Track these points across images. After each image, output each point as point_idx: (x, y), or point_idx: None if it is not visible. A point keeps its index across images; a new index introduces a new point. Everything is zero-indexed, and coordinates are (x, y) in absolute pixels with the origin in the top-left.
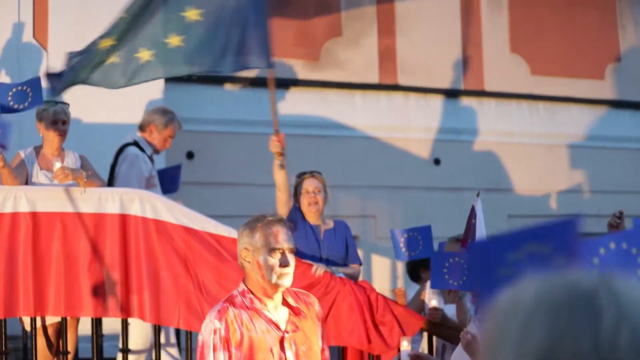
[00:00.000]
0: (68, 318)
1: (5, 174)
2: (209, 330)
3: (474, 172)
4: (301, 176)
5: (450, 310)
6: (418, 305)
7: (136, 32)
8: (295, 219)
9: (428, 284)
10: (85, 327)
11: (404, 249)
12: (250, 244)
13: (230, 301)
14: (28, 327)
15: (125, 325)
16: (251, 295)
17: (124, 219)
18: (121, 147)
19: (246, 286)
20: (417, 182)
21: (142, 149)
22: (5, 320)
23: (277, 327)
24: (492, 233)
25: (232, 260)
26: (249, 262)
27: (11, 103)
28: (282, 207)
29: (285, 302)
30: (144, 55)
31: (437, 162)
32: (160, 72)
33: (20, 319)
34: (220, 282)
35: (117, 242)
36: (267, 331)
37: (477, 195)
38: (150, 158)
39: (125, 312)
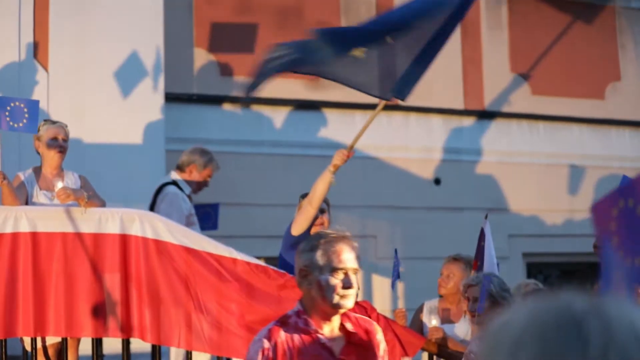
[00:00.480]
0: (68, 338)
1: (6, 192)
2: (256, 349)
3: (475, 192)
4: (305, 196)
5: (449, 330)
6: (417, 325)
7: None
8: (302, 240)
9: (426, 304)
10: (85, 347)
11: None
12: (310, 261)
13: (283, 321)
14: (28, 347)
15: (126, 346)
16: (306, 317)
17: (124, 239)
18: (160, 186)
19: (303, 307)
20: (417, 202)
21: (180, 188)
22: (5, 340)
23: (331, 353)
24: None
25: (233, 280)
26: (308, 281)
27: (8, 118)
28: (306, 222)
29: (342, 328)
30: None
31: (437, 181)
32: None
33: (21, 339)
34: (220, 302)
35: (118, 262)
36: (319, 356)
37: (486, 217)
38: (189, 197)
39: (126, 332)
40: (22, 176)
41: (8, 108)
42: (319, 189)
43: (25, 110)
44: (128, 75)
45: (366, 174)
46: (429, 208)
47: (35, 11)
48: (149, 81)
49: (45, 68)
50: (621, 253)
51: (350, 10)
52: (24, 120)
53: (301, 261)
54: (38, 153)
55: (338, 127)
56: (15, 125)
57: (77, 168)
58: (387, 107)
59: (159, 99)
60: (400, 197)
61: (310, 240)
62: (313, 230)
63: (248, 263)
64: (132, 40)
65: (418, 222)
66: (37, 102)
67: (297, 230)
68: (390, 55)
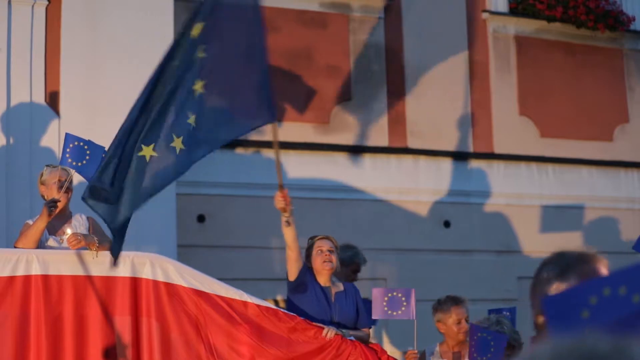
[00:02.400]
0: None
1: (41, 227)
2: None
3: (484, 234)
4: (313, 238)
5: None
6: None
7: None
8: (305, 281)
9: (427, 349)
10: None
11: (386, 308)
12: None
13: None
14: None
15: None
16: None
17: (135, 282)
18: None
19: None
20: (427, 244)
21: None
22: None
23: None
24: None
25: (243, 323)
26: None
27: (67, 155)
28: (292, 265)
29: None
30: (177, 144)
31: (447, 224)
32: (192, 158)
33: None
34: (231, 345)
35: (128, 305)
36: None
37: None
38: None
39: None
40: (31, 223)
41: (71, 145)
42: (285, 234)
43: (88, 152)
44: None
45: (376, 216)
46: (439, 250)
47: (46, 58)
48: None
49: (58, 113)
50: None
51: (360, 54)
52: (84, 162)
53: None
54: (44, 198)
55: (347, 170)
56: (75, 163)
57: (87, 210)
58: (396, 151)
59: None
60: (409, 240)
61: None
62: (321, 270)
63: (258, 306)
64: (143, 85)
65: (428, 265)
66: (102, 148)
67: (290, 275)
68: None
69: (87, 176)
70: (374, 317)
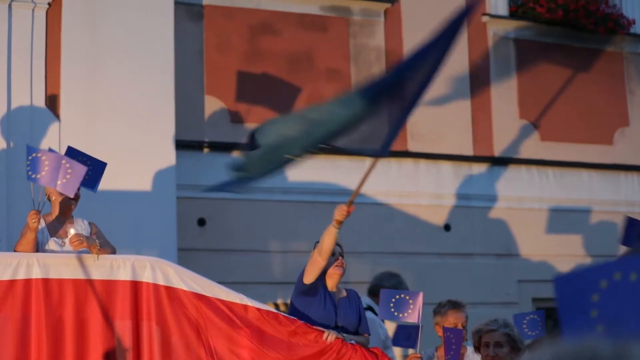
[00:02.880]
0: None
1: (31, 238)
2: None
3: (484, 238)
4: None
5: None
6: None
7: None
8: (318, 284)
9: (424, 353)
10: None
11: (393, 310)
12: None
13: None
14: None
15: None
16: None
17: (135, 285)
18: None
19: None
20: (427, 248)
21: (375, 313)
22: None
23: None
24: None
25: (244, 326)
26: None
27: (28, 169)
28: (316, 270)
29: None
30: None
31: (447, 228)
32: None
33: None
34: (231, 349)
35: (129, 309)
36: None
37: None
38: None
39: None
40: None
41: (30, 158)
42: (326, 242)
43: (89, 167)
44: (139, 122)
45: (376, 220)
46: (440, 254)
47: (47, 61)
48: (160, 128)
49: (58, 116)
50: (600, 328)
51: (360, 57)
52: (86, 177)
53: None
54: (49, 200)
55: (349, 174)
56: (34, 175)
57: (87, 215)
58: (397, 154)
59: (170, 146)
60: (410, 244)
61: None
62: (332, 273)
63: (259, 309)
64: (143, 89)
65: (428, 268)
66: (103, 164)
67: (308, 278)
68: (383, 111)
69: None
70: (380, 317)
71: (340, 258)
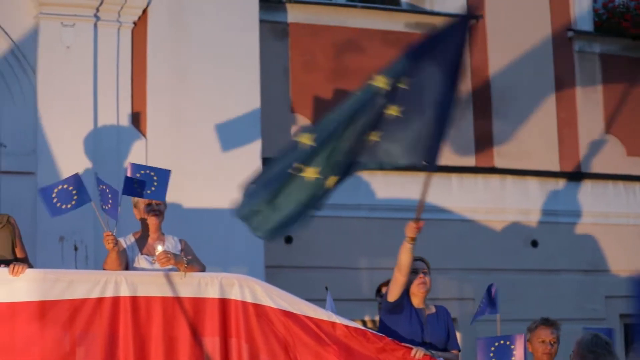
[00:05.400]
0: None
1: (113, 257)
2: None
3: (571, 254)
4: (414, 260)
5: None
6: None
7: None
8: (403, 302)
9: None
10: None
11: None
12: None
13: None
14: None
15: None
16: None
17: (223, 303)
18: None
19: None
20: (514, 264)
21: None
22: None
23: None
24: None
25: (332, 343)
26: None
27: (58, 204)
28: (398, 288)
29: None
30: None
31: (534, 244)
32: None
33: None
34: None
35: (217, 326)
36: None
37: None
38: None
39: None
40: (122, 242)
41: (54, 193)
42: (402, 258)
43: (72, 189)
44: (225, 140)
45: (463, 236)
46: (526, 270)
47: (132, 80)
48: (247, 147)
49: (144, 134)
50: None
51: None
52: (75, 198)
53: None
54: (138, 220)
55: (434, 190)
56: (68, 205)
57: (177, 232)
58: (483, 171)
59: (257, 164)
60: (497, 260)
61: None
62: (416, 291)
63: (347, 326)
64: (229, 107)
65: (515, 284)
66: (78, 177)
67: (391, 296)
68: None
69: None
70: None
71: (422, 275)
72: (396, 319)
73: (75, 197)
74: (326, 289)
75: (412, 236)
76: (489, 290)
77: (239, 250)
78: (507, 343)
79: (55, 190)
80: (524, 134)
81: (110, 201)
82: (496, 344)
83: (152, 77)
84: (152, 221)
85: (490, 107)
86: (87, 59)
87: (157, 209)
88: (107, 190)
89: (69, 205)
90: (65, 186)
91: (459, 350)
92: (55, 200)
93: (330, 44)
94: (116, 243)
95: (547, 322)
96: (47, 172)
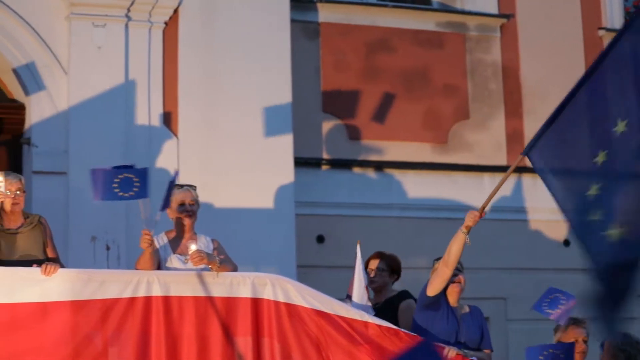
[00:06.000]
0: None
1: (147, 257)
2: None
3: None
4: (439, 259)
5: None
6: None
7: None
8: (440, 298)
9: None
10: None
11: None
12: None
13: None
14: None
15: None
16: None
17: (256, 302)
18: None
19: None
20: (547, 263)
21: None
22: None
23: None
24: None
25: (364, 343)
26: None
27: (117, 189)
28: (440, 282)
29: None
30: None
31: (567, 243)
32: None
33: None
34: None
35: (250, 326)
36: None
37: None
38: None
39: None
40: (155, 241)
41: (117, 179)
42: (454, 249)
43: (136, 180)
44: (257, 140)
45: (496, 236)
46: (559, 269)
47: (164, 80)
48: (278, 146)
49: (175, 134)
50: None
51: (477, 73)
52: (135, 189)
53: None
54: (172, 220)
55: (466, 190)
56: (126, 195)
57: (209, 232)
58: (515, 170)
59: (289, 163)
60: (529, 259)
61: None
62: (451, 290)
63: (379, 326)
64: (261, 106)
65: (548, 284)
66: (146, 170)
67: (432, 291)
68: None
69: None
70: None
71: (458, 274)
72: (432, 316)
73: (135, 189)
74: (358, 243)
75: (470, 224)
76: (549, 293)
77: (271, 249)
78: (557, 352)
79: (120, 177)
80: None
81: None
82: (545, 352)
83: (183, 77)
84: (185, 220)
85: (522, 105)
86: (118, 59)
87: (191, 210)
88: (131, 176)
89: (126, 194)
90: (131, 176)
91: (492, 350)
92: (115, 186)
93: (361, 43)
94: (152, 243)
95: (578, 322)
96: (78, 172)
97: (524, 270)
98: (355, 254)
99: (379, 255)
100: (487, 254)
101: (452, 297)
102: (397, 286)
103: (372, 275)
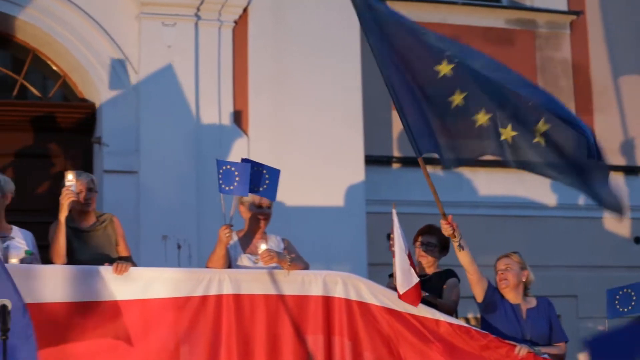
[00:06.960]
0: None
1: (220, 254)
2: None
3: None
4: (499, 259)
5: None
6: None
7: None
8: (494, 300)
9: None
10: None
11: (617, 306)
12: None
13: None
14: None
15: None
16: None
17: (327, 300)
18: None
19: None
20: (617, 261)
21: None
22: None
23: None
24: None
25: (435, 341)
26: None
27: (220, 181)
28: (476, 287)
29: None
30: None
31: (637, 240)
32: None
33: None
34: None
35: (321, 324)
36: None
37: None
38: None
39: None
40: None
41: (222, 170)
42: (460, 260)
43: (237, 174)
44: (327, 138)
45: (565, 233)
46: (629, 267)
47: (234, 79)
48: (349, 144)
49: (246, 133)
50: None
51: (547, 70)
52: (235, 184)
53: None
54: (245, 218)
55: (535, 187)
56: (227, 188)
57: (279, 231)
58: None
59: (359, 161)
60: (600, 257)
61: None
62: (500, 288)
63: (451, 324)
64: (331, 104)
65: (618, 281)
66: (248, 167)
67: (477, 297)
68: None
69: (244, 195)
70: (609, 317)
71: (500, 272)
72: (493, 318)
73: (234, 184)
74: (393, 206)
75: (449, 234)
76: (612, 295)
77: (342, 248)
78: (630, 291)
79: (224, 168)
80: (626, 130)
81: (237, 178)
82: (620, 292)
83: (253, 76)
84: (260, 223)
85: (592, 102)
86: (188, 58)
87: (268, 212)
88: (233, 169)
89: (226, 188)
90: (232, 169)
91: (566, 341)
92: (220, 177)
93: None
94: (231, 237)
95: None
96: (149, 171)
97: (595, 268)
98: (392, 220)
99: (430, 229)
100: (557, 251)
101: (509, 295)
102: None
103: (422, 249)
